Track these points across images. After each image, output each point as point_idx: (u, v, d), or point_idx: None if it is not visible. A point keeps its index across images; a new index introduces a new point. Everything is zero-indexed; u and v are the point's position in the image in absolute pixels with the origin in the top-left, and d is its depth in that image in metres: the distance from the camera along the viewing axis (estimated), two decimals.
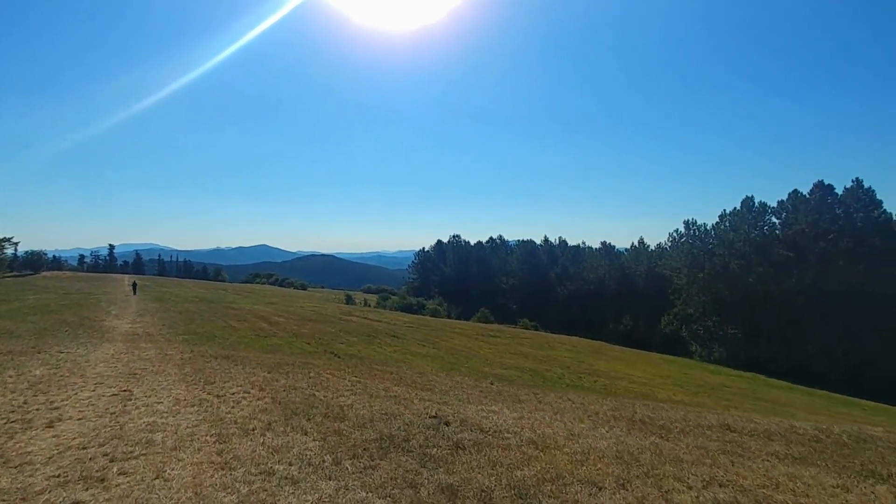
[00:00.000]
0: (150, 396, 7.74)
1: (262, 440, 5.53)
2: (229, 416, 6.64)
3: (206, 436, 5.65)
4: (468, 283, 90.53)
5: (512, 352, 36.67)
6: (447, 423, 6.73)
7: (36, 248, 78.38)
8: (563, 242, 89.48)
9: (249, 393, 8.32)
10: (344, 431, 5.96)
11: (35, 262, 75.99)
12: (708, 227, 62.31)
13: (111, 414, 6.64)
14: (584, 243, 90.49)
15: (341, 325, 36.38)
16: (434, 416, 7.15)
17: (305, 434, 5.84)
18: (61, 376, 9.38)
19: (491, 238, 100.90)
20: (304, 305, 49.72)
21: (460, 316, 72.78)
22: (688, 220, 63.42)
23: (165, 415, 6.62)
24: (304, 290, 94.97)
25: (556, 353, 38.78)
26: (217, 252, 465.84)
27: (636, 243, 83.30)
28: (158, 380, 9.24)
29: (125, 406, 7.10)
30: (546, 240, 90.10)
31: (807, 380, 44.61)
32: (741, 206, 58.25)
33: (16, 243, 74.25)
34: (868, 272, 49.87)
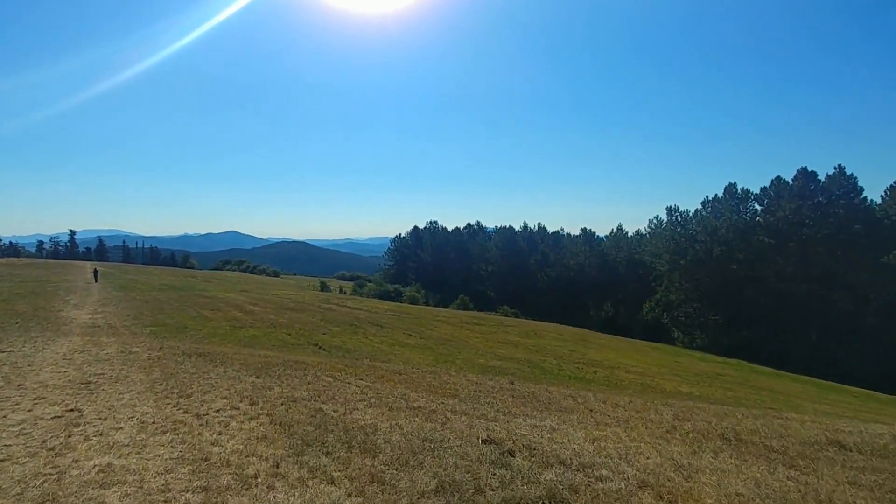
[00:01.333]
0: (105, 419, 5.84)
1: (271, 498, 3.76)
2: (217, 450, 4.83)
3: (188, 491, 3.84)
4: (446, 270, 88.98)
5: (500, 340, 35.31)
6: (511, 453, 5.07)
7: None
8: (542, 229, 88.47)
9: (238, 409, 6.49)
10: (385, 475, 4.23)
11: None
12: (690, 214, 62.05)
13: (48, 451, 4.74)
14: (563, 230, 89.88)
15: (321, 313, 34.36)
16: (488, 441, 5.48)
17: (332, 483, 4.09)
18: None
19: (469, 224, 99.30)
20: (280, 293, 47.36)
21: (439, 303, 71.30)
22: (670, 207, 63.02)
23: (126, 451, 4.76)
24: (277, 277, 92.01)
25: (544, 342, 37.61)
26: (185, 238, 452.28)
27: (615, 230, 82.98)
28: (119, 391, 7.30)
29: (70, 436, 5.20)
30: (525, 226, 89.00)
31: (787, 365, 44.67)
32: (724, 193, 58.02)
33: None
34: (847, 259, 50.24)
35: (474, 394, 9.11)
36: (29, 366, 9.32)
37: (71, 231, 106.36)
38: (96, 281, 43.53)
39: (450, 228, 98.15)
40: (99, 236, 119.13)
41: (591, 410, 8.25)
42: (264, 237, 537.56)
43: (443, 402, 7.90)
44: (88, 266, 59.32)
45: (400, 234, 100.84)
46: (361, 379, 9.60)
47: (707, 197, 59.64)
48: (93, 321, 21.67)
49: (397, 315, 40.76)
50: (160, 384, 7.82)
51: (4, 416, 5.80)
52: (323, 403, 7.11)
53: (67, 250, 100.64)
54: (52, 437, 5.16)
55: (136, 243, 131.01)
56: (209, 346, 15.14)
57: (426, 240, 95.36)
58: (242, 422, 5.93)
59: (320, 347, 21.39)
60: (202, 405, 6.58)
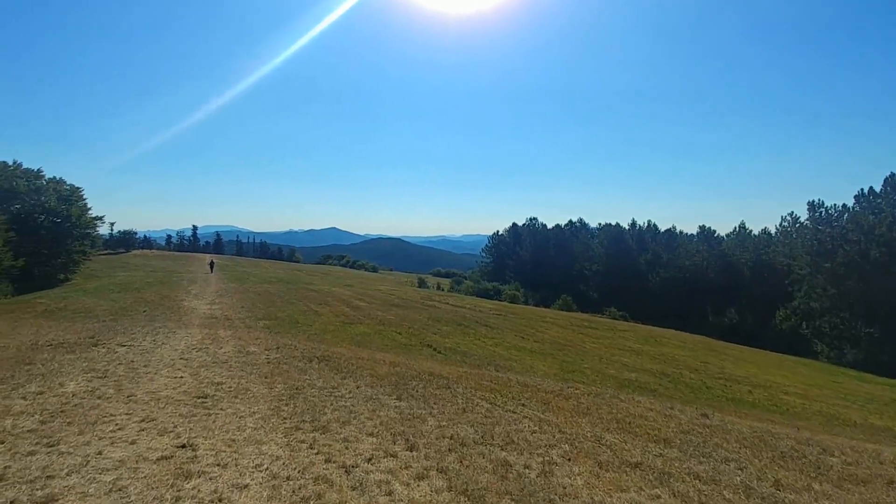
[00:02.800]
0: (226, 465, 4.15)
1: None
2: None
3: None
4: (545, 269, 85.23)
5: (619, 347, 31.87)
6: None
7: (130, 228, 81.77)
8: (652, 227, 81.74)
9: (396, 457, 4.58)
10: None
11: (127, 241, 79.37)
12: (837, 211, 53.70)
13: None
14: (675, 227, 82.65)
15: (426, 311, 32.97)
16: None
17: None
18: (100, 397, 6.11)
19: (570, 221, 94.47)
20: (381, 288, 46.98)
21: (539, 303, 68.18)
22: (812, 202, 54.80)
23: None
24: (376, 272, 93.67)
25: (668, 350, 33.56)
26: (290, 234, 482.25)
27: (737, 228, 74.88)
28: (239, 413, 5.74)
29: (178, 498, 3.52)
30: (634, 223, 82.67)
31: None
32: (884, 186, 49.32)
33: (112, 223, 78.49)
34: None
35: (683, 436, 6.62)
36: (145, 367, 8.22)
37: (194, 226, 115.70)
38: (212, 272, 45.95)
39: (549, 226, 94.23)
40: (217, 231, 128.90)
41: (892, 482, 5.47)
42: (362, 233, 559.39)
43: (662, 455, 5.53)
44: (207, 258, 63.30)
45: (498, 231, 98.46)
46: (523, 405, 7.46)
47: (861, 190, 51.18)
48: (210, 312, 21.70)
49: (502, 315, 38.56)
50: (286, 404, 6.19)
51: (100, 453, 4.30)
52: (502, 450, 5.03)
53: (190, 243, 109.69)
54: (154, 499, 3.50)
55: (248, 238, 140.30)
56: (325, 346, 13.86)
57: (525, 237, 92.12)
58: (409, 483, 3.99)
59: (435, 350, 19.72)
60: (346, 447, 4.75)
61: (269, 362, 9.29)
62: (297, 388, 7.03)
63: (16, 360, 8.19)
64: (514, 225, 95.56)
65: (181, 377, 7.47)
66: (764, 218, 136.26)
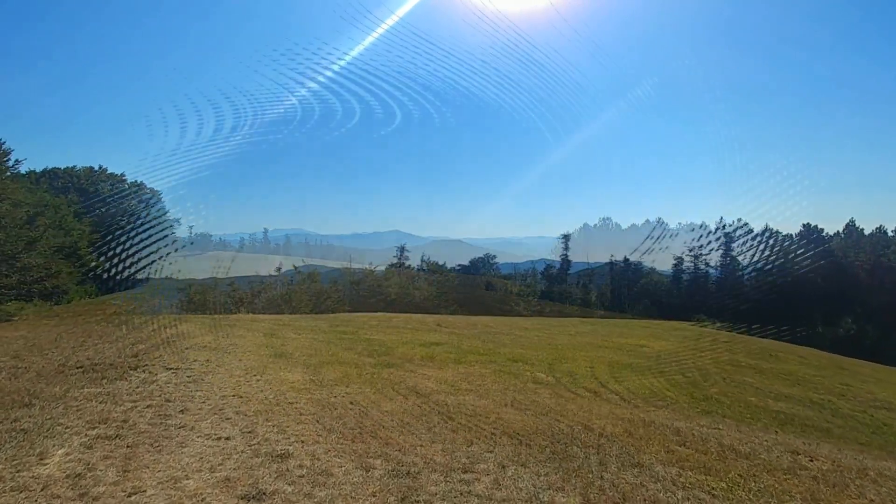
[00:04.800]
0: None
1: None
2: None
3: None
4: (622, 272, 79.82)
5: (730, 363, 27.17)
6: None
7: (205, 231, 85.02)
8: (743, 226, 74.26)
9: None
10: None
11: (203, 244, 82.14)
12: None
13: None
14: (768, 226, 74.69)
15: (501, 312, 29.90)
16: None
17: None
18: (83, 495, 3.57)
19: (647, 221, 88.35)
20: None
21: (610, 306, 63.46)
22: None
23: None
24: None
25: (793, 369, 28.35)
26: (356, 237, 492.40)
27: (847, 225, 66.53)
28: None
29: None
30: (721, 223, 75.55)
31: None
32: None
33: (190, 226, 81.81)
34: None
35: None
36: (181, 413, 5.69)
37: (265, 229, 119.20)
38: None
39: (624, 226, 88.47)
40: (286, 234, 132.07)
41: None
42: (424, 236, 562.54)
43: None
44: (277, 261, 63.23)
45: (568, 233, 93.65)
46: None
47: None
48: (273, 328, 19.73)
49: (583, 321, 34.82)
50: None
51: None
52: None
53: (262, 246, 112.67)
54: None
55: (316, 241, 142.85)
56: (408, 371, 11.09)
57: (598, 238, 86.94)
58: None
59: (531, 367, 16.60)
60: None
61: (352, 403, 6.60)
62: (408, 474, 4.21)
63: (14, 399, 5.92)
64: (586, 226, 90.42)
65: (227, 440, 4.86)
66: (874, 216, 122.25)
